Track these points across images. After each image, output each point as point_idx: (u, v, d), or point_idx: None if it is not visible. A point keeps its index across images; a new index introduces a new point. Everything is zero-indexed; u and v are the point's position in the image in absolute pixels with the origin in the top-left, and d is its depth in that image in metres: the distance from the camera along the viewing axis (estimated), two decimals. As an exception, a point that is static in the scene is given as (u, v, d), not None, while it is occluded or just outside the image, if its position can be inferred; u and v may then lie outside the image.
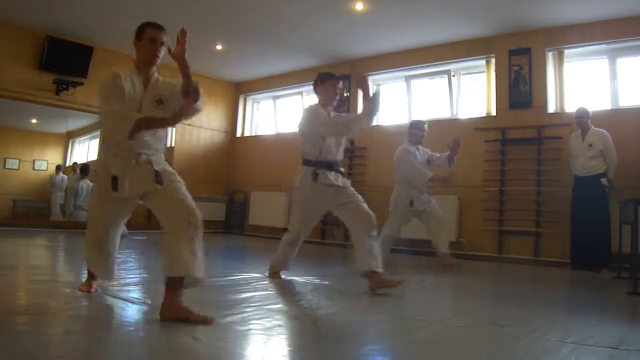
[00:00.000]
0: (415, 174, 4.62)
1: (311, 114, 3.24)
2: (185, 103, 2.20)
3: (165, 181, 2.19)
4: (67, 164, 8.22)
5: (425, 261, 4.84)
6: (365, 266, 2.97)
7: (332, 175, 3.16)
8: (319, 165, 3.17)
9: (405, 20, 5.62)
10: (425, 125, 4.83)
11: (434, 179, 4.64)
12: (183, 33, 2.12)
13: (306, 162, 3.23)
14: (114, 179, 2.19)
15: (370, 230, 3.05)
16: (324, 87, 3.29)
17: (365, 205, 3.14)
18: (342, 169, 3.29)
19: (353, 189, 3.23)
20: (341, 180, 3.20)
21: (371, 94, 3.08)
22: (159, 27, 2.29)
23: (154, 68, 2.33)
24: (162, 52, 2.28)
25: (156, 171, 2.20)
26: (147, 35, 2.26)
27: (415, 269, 4.29)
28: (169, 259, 2.01)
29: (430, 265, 4.70)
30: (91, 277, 2.50)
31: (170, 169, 2.31)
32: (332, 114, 3.28)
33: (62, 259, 4.28)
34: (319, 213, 3.41)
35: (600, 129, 4.71)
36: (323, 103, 3.28)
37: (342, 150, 3.33)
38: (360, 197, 3.20)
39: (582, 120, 4.77)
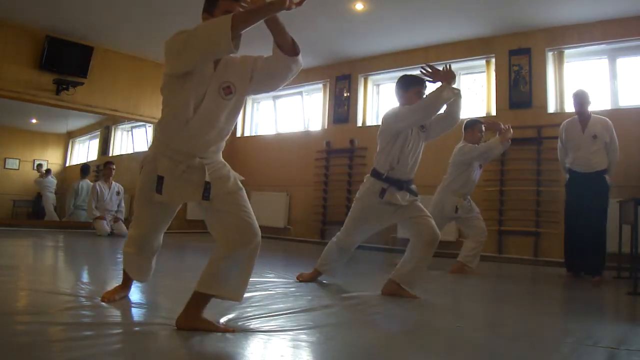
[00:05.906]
0: (470, 180, 4.30)
1: (391, 114, 2.95)
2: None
3: (218, 192, 1.90)
4: (67, 164, 8.20)
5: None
6: (399, 278, 2.88)
7: (399, 195, 2.92)
8: (389, 181, 2.92)
9: (405, 20, 5.62)
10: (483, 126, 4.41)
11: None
12: None
13: (375, 174, 2.98)
14: (159, 180, 1.91)
15: (429, 247, 2.86)
16: (407, 95, 2.97)
17: (432, 221, 2.91)
18: (413, 187, 3.02)
19: (421, 205, 3.00)
20: (408, 199, 2.95)
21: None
22: None
23: None
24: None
25: (206, 182, 1.89)
26: (222, 6, 1.87)
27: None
28: (207, 273, 1.85)
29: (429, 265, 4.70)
30: (123, 282, 2.35)
31: (229, 174, 1.99)
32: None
33: (62, 259, 4.28)
34: (376, 227, 3.14)
35: (603, 117, 4.23)
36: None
37: (415, 169, 3.05)
38: (427, 212, 2.97)
39: (584, 107, 4.15)
